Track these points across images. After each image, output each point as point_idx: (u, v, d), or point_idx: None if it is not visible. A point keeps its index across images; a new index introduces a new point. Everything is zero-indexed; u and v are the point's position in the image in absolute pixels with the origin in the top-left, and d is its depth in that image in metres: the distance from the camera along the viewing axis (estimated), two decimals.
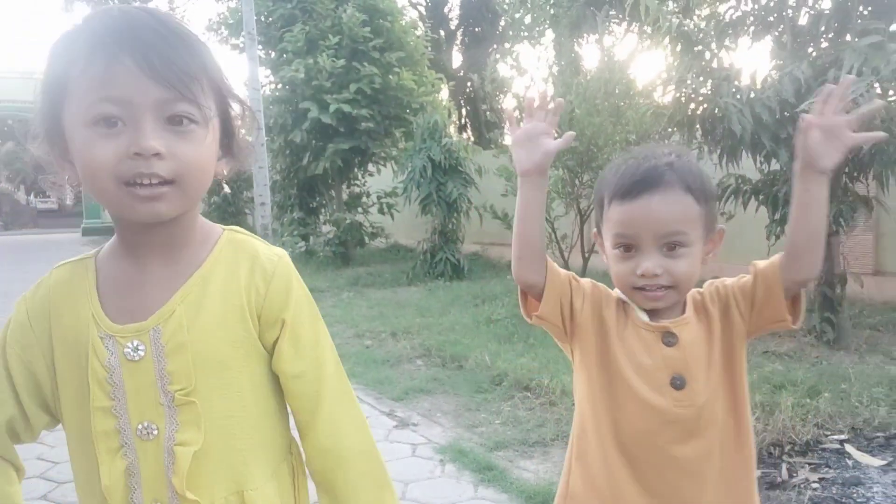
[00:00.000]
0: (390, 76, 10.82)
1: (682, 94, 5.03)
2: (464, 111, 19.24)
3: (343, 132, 10.76)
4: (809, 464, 3.11)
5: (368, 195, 12.42)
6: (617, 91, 5.95)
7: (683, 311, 1.29)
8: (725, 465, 1.25)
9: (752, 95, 4.90)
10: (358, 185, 12.53)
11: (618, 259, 1.27)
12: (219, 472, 0.95)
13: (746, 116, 4.88)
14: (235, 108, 0.98)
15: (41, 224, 33.55)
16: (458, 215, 9.74)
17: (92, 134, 0.85)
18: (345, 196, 12.39)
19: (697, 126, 5.24)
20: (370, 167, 12.20)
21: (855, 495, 2.79)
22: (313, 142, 11.04)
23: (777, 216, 5.27)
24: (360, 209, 12.24)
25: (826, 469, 3.05)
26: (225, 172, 1.00)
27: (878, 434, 3.41)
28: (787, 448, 3.28)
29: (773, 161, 5.18)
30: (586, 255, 7.44)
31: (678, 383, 1.24)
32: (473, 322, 6.26)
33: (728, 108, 4.86)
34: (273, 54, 11.68)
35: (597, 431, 1.29)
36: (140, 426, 0.92)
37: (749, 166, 5.41)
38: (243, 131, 1.01)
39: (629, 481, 1.26)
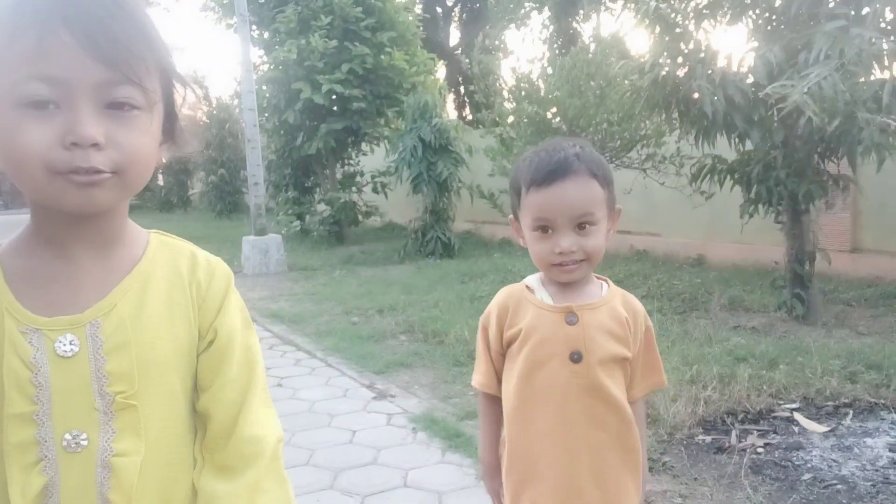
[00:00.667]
0: (382, 56, 10.90)
1: (659, 76, 5.14)
2: (462, 89, 19.29)
3: (335, 112, 10.88)
4: (759, 430, 3.30)
5: (362, 174, 12.54)
6: (598, 72, 6.06)
7: (598, 293, 1.44)
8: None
9: (725, 77, 5.02)
10: (352, 165, 12.66)
11: (537, 240, 1.40)
12: (150, 488, 0.85)
13: (719, 98, 5.02)
14: (179, 89, 0.88)
15: None
16: (448, 194, 9.88)
17: (18, 116, 0.74)
18: (339, 175, 12.52)
19: (674, 107, 5.37)
20: (363, 147, 12.32)
21: (794, 458, 2.98)
22: (307, 122, 11.16)
23: (752, 195, 5.42)
24: (354, 188, 12.37)
25: (773, 435, 3.24)
26: (163, 160, 0.91)
27: (828, 403, 3.59)
28: (741, 416, 3.46)
29: (748, 141, 5.31)
30: None
31: (577, 357, 1.38)
32: (457, 299, 6.43)
33: (701, 89, 4.99)
34: (266, 34, 11.75)
35: (516, 409, 1.45)
36: (67, 435, 0.81)
37: (725, 146, 5.55)
38: (185, 113, 0.93)
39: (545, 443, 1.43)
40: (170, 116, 0.87)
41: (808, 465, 2.92)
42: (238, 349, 0.92)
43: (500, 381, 1.50)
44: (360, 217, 12.16)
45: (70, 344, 0.81)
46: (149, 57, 0.79)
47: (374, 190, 12.23)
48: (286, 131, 11.57)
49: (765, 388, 3.67)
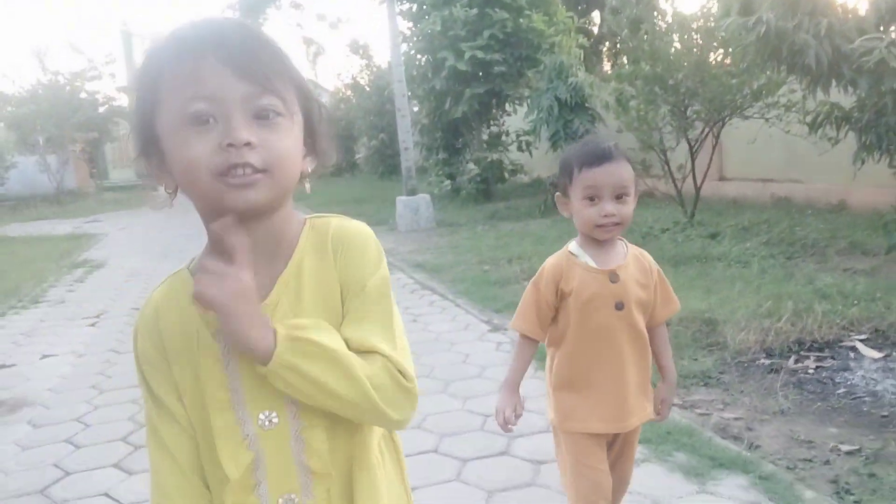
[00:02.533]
0: (521, 19, 11.40)
1: (761, 32, 5.36)
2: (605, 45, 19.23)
3: (478, 77, 11.56)
4: (818, 356, 3.70)
5: (507, 134, 13.19)
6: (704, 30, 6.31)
7: (624, 253, 1.89)
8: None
9: (831, 28, 5.15)
10: (497, 125, 13.32)
11: (586, 206, 1.82)
12: (337, 452, 0.99)
13: (825, 48, 5.18)
14: (315, 111, 0.99)
15: None
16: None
17: (186, 133, 0.88)
18: (485, 136, 13.24)
19: (783, 60, 5.55)
20: (507, 107, 12.93)
21: (837, 377, 3.40)
22: (453, 87, 11.94)
23: (865, 141, 5.52)
24: (500, 148, 13.05)
25: (830, 360, 3.64)
26: (309, 170, 1.01)
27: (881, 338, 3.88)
28: (808, 345, 3.86)
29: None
30: (698, 185, 7.86)
31: (621, 306, 1.85)
32: None
33: (805, 41, 5.18)
34: (413, 8, 12.60)
35: (574, 346, 1.90)
36: (261, 416, 0.94)
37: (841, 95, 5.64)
38: (324, 132, 1.02)
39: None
40: (311, 132, 0.98)
41: (847, 383, 3.33)
42: (376, 295, 1.00)
43: (543, 328, 1.93)
44: (506, 175, 12.85)
45: None
46: (284, 73, 0.92)
47: (519, 148, 12.83)
48: (435, 97, 12.42)
49: (837, 321, 4.02)
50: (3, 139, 21.60)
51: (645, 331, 1.91)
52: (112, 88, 25.48)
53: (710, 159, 7.97)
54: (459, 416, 3.40)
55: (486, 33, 11.27)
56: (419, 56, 12.26)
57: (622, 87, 7.23)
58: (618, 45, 7.77)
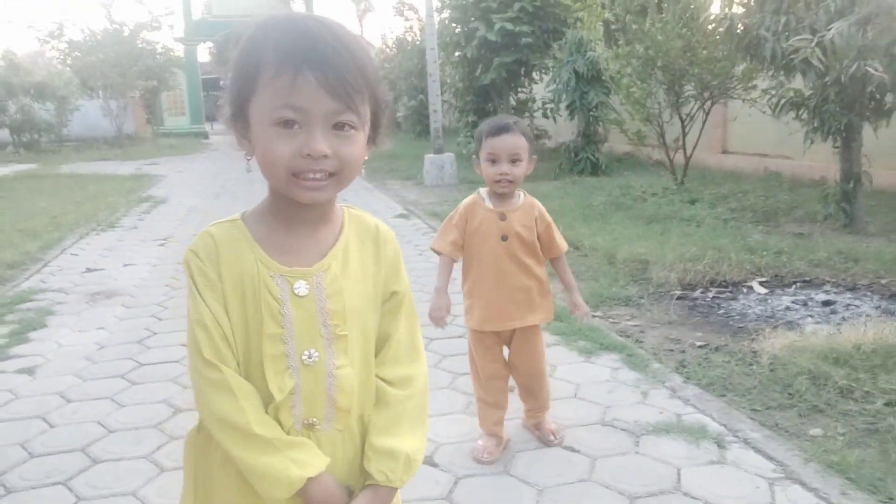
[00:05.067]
0: None
1: (727, 27, 6.29)
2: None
3: (507, 47, 12.51)
4: (721, 291, 4.77)
5: (534, 101, 14.14)
6: (692, 23, 7.24)
7: (517, 202, 2.54)
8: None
9: (788, 25, 6.06)
10: (524, 93, 14.27)
11: (488, 167, 2.46)
12: (358, 395, 1.17)
13: (781, 44, 6.10)
14: (382, 110, 1.14)
15: None
16: (597, 120, 11.26)
17: (273, 132, 1.03)
18: (513, 102, 14.21)
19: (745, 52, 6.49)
20: (534, 76, 13.86)
21: (723, 304, 4.48)
22: (484, 55, 12.92)
23: (812, 124, 6.42)
24: (526, 114, 14.03)
25: (727, 294, 4.71)
26: (366, 157, 1.14)
27: (796, 280, 4.92)
28: (718, 283, 4.92)
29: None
30: (688, 155, 8.82)
31: (505, 238, 2.53)
32: (576, 205, 8.07)
33: (763, 37, 6.12)
34: None
35: (473, 263, 2.59)
36: (305, 353, 1.11)
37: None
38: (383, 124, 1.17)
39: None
40: (374, 126, 1.14)
41: (728, 308, 4.42)
42: (406, 305, 1.24)
43: (454, 249, 2.56)
44: None
45: (303, 287, 1.11)
46: (365, 90, 1.06)
47: (544, 115, 13.79)
48: (467, 64, 13.41)
49: (747, 267, 5.07)
50: (68, 83, 23.14)
51: (527, 259, 2.55)
52: (170, 39, 26.91)
53: (699, 134, 8.89)
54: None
55: (517, 6, 12.19)
56: (454, 25, 13.24)
57: (620, 65, 8.19)
58: (623, 27, 8.60)
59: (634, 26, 8.21)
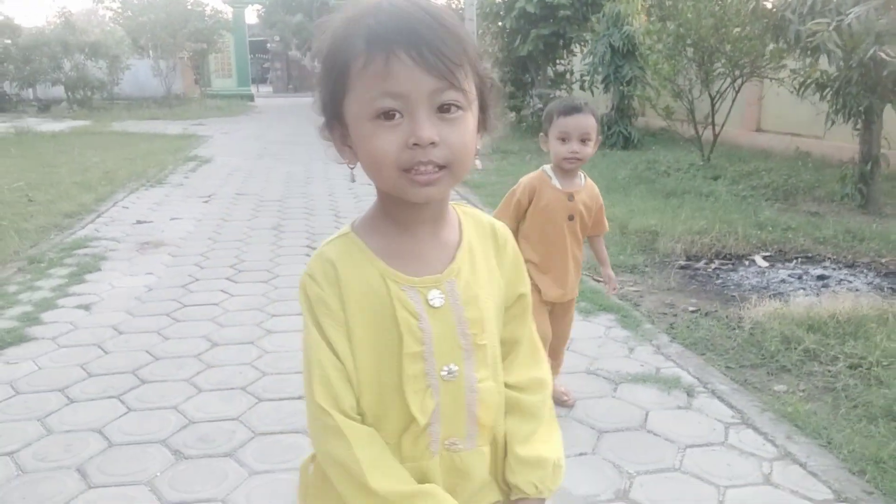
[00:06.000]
0: None
1: (753, 8, 6.43)
2: None
3: (546, 18, 12.65)
4: (724, 263, 5.04)
5: (572, 73, 14.26)
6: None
7: (581, 183, 2.67)
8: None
9: (813, 7, 6.18)
10: (562, 65, 14.40)
11: (558, 145, 2.53)
12: (496, 410, 1.09)
13: (807, 25, 6.23)
14: (488, 89, 1.01)
15: None
16: (630, 95, 11.39)
17: (375, 127, 0.92)
18: (551, 74, 14.36)
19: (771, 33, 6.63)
20: (573, 48, 13.97)
21: (723, 275, 4.75)
22: (523, 27, 13.08)
23: (834, 106, 6.56)
24: (563, 86, 14.18)
25: (729, 265, 4.97)
26: (479, 147, 1.03)
27: (798, 256, 5.16)
28: (723, 255, 5.18)
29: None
30: (716, 131, 8.95)
31: (571, 218, 2.68)
32: (600, 177, 8.28)
33: (787, 18, 6.26)
34: None
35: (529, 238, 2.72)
36: (444, 368, 1.01)
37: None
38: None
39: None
40: (483, 109, 1.01)
41: (726, 277, 4.69)
42: (530, 307, 1.18)
43: (514, 222, 2.67)
44: None
45: (438, 297, 1.01)
46: (466, 65, 0.93)
47: (581, 87, 13.91)
48: (506, 35, 13.59)
49: (753, 241, 5.32)
50: (120, 42, 23.84)
51: (581, 236, 2.74)
52: (219, 1, 27.43)
53: (729, 112, 9.00)
54: None
55: None
56: None
57: (652, 41, 8.35)
58: (658, 2, 8.73)
59: (668, 2, 8.35)
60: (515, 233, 2.64)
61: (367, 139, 0.93)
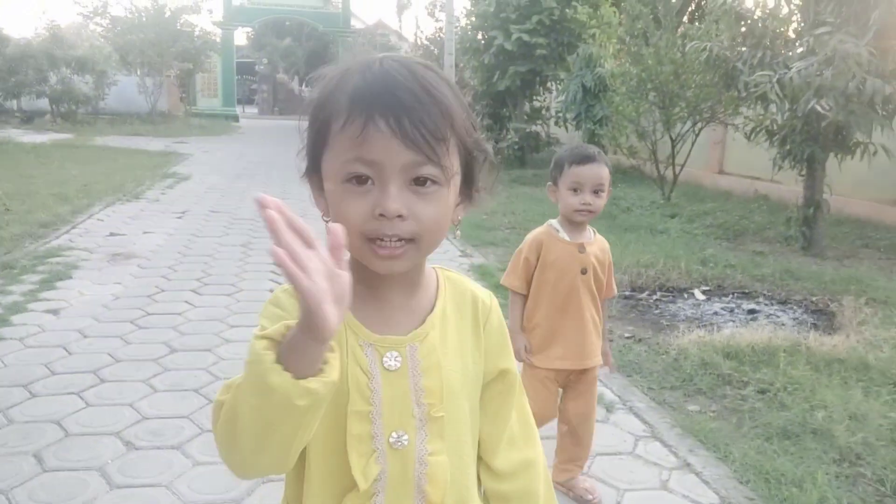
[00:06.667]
0: (567, 10, 12.83)
1: (706, 58, 6.85)
2: None
3: (523, 56, 13.10)
4: (665, 295, 5.34)
5: (548, 109, 14.71)
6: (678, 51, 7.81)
7: (591, 236, 2.46)
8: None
9: (762, 60, 6.60)
10: (539, 101, 14.85)
11: (570, 195, 2.35)
12: (452, 486, 1.01)
13: (748, 79, 6.64)
14: (479, 157, 0.98)
15: None
16: (600, 132, 11.80)
17: (345, 190, 0.89)
18: (528, 109, 14.79)
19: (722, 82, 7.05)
20: (549, 85, 14.43)
21: (661, 306, 5.05)
22: (501, 63, 13.52)
23: (781, 151, 6.95)
24: (539, 121, 14.62)
25: (670, 297, 5.28)
26: (460, 218, 1.01)
27: (734, 290, 5.48)
28: (666, 288, 5.49)
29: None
30: (677, 171, 9.35)
31: (584, 271, 2.43)
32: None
33: (737, 69, 6.67)
34: None
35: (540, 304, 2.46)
36: (393, 434, 0.96)
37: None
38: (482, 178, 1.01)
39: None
40: (468, 181, 0.97)
41: (665, 308, 4.99)
42: (518, 383, 1.11)
43: (525, 284, 2.47)
44: (541, 146, 14.42)
45: (395, 360, 0.96)
46: (450, 138, 0.89)
47: (556, 123, 14.36)
48: (485, 69, 14.03)
49: (694, 276, 5.64)
50: (108, 58, 24.07)
51: (597, 293, 2.49)
52: (209, 23, 27.83)
53: (689, 154, 9.41)
54: None
55: (535, 18, 12.77)
56: (473, 32, 13.86)
57: (617, 83, 8.77)
58: (627, 48, 9.18)
59: (634, 48, 8.78)
60: (527, 297, 2.50)
61: (337, 201, 0.91)
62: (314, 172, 0.96)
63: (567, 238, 2.43)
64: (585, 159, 2.34)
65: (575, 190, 2.35)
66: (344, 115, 0.87)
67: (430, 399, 0.97)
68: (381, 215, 0.87)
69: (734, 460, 2.85)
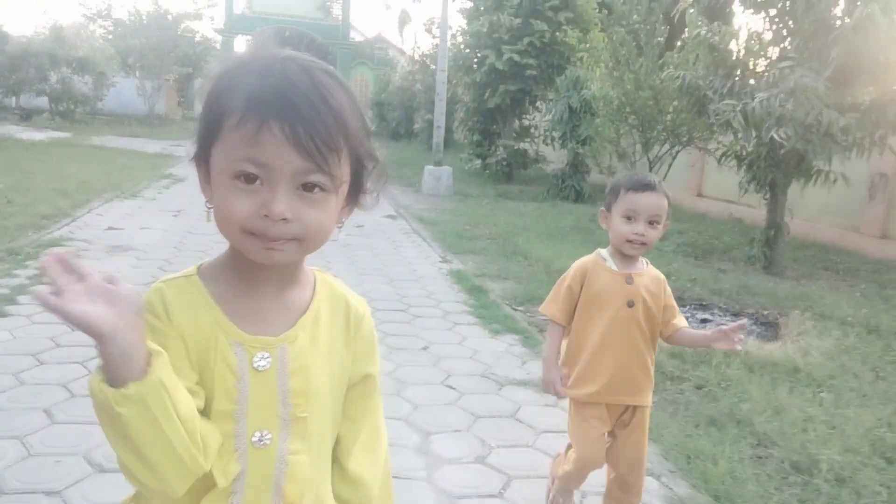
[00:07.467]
0: (558, 33, 13.33)
1: (680, 85, 7.30)
2: None
3: (513, 76, 13.58)
4: None
5: (536, 128, 15.19)
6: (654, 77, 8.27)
7: (642, 267, 2.28)
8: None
9: (731, 89, 7.04)
10: (528, 119, 15.33)
11: (623, 223, 2.19)
12: (310, 485, 1.03)
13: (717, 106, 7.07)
14: (367, 169, 1.00)
15: None
16: (583, 152, 12.26)
17: (232, 186, 0.90)
18: (517, 127, 15.26)
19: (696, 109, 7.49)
20: (539, 105, 14.91)
21: None
22: (492, 82, 13.99)
23: (747, 176, 7.38)
24: (527, 139, 15.09)
25: None
26: (344, 221, 1.02)
27: (693, 303, 5.88)
28: None
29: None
30: None
31: (632, 304, 2.24)
32: (545, 225, 9.07)
33: (707, 97, 7.11)
34: (471, 6, 14.67)
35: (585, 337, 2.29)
36: (257, 434, 0.98)
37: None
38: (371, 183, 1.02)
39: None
40: (356, 187, 1.00)
41: None
42: (378, 389, 1.14)
43: (567, 315, 2.31)
44: (528, 163, 14.87)
45: (264, 360, 0.98)
46: (343, 147, 0.91)
47: (544, 142, 14.82)
48: (477, 87, 14.50)
49: None
50: (108, 60, 24.45)
51: (650, 331, 2.29)
52: (209, 30, 28.31)
53: (666, 175, 9.86)
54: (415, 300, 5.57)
55: (526, 40, 13.26)
56: (467, 50, 14.34)
57: (598, 106, 9.22)
58: (610, 73, 9.66)
59: (616, 73, 9.24)
60: (567, 328, 2.36)
61: (223, 195, 0.91)
62: (203, 160, 0.96)
63: (614, 268, 2.28)
64: (644, 187, 2.20)
65: (629, 218, 2.20)
66: (239, 113, 0.88)
67: (296, 399, 1.00)
68: (266, 216, 0.89)
69: (664, 442, 3.23)
